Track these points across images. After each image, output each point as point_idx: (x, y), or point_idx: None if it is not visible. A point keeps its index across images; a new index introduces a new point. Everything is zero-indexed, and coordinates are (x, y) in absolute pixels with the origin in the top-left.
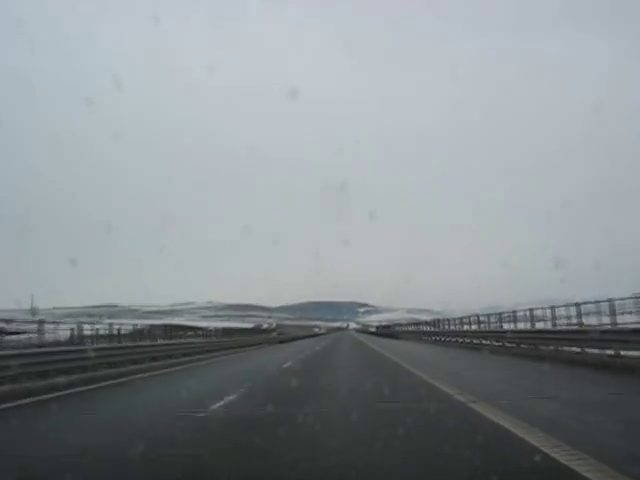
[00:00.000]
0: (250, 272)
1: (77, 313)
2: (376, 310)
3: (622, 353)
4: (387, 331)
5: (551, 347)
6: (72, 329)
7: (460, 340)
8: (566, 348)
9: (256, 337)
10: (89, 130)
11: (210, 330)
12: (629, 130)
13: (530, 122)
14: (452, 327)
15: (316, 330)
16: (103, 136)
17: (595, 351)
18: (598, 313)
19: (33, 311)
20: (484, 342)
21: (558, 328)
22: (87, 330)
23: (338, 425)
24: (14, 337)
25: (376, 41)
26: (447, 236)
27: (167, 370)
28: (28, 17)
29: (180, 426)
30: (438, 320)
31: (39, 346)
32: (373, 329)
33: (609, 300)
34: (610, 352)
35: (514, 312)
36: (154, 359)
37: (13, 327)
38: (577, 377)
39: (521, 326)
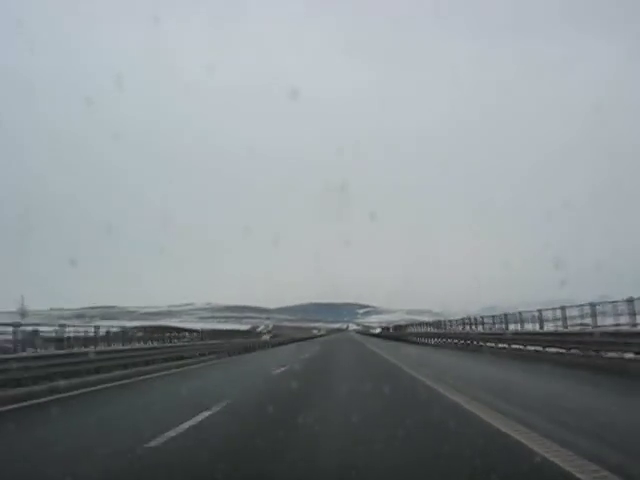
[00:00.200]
0: (250, 273)
1: (73, 315)
2: (376, 311)
3: None
4: (397, 333)
5: None
6: (56, 331)
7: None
8: None
9: (233, 341)
10: (89, 130)
11: (195, 332)
12: (629, 130)
13: (530, 122)
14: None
15: (315, 332)
16: (103, 136)
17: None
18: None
19: (22, 312)
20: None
21: None
22: (70, 333)
23: None
24: None
25: (376, 41)
26: (447, 236)
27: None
28: (28, 17)
29: None
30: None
31: None
32: (376, 330)
33: (628, 300)
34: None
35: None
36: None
37: None
38: None
39: None
